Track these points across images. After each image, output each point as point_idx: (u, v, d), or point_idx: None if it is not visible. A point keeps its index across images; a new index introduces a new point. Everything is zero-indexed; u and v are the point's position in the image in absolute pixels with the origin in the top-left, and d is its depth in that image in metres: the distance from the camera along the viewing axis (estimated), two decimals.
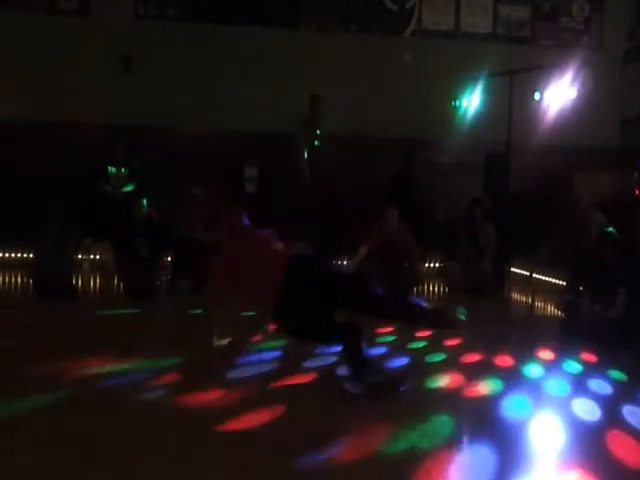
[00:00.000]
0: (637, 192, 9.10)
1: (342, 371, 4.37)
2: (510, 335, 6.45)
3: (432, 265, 10.18)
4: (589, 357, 5.52)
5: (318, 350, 5.00)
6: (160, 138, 10.38)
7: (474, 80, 10.26)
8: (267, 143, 10.28)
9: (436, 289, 9.25)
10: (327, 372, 4.65)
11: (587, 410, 4.16)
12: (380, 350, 5.34)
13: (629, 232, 7.18)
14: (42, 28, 10.46)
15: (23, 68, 10.28)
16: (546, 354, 5.58)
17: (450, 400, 4.25)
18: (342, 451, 3.37)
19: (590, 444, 3.61)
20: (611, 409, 4.18)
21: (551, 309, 7.76)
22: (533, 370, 5.07)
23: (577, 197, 9.77)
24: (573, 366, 5.24)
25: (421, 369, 4.89)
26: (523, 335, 6.50)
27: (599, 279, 6.28)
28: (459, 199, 9.95)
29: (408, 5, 11.54)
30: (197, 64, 10.72)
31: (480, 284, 8.44)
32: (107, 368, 4.55)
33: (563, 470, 3.33)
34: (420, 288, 8.73)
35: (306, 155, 9.24)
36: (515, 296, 8.92)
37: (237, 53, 10.90)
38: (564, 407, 4.20)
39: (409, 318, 4.61)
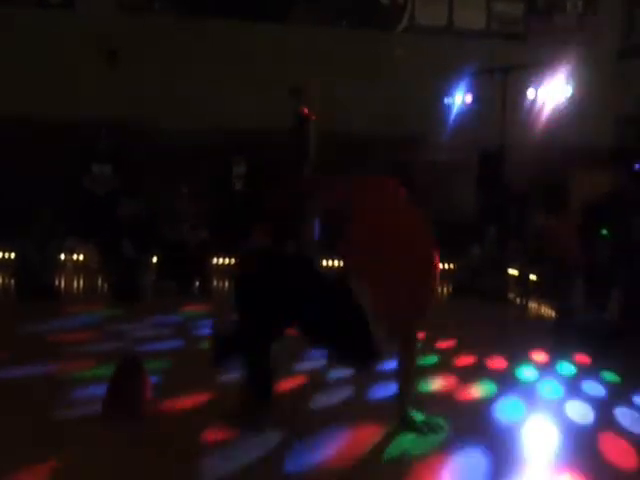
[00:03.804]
0: None
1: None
2: (503, 337, 6.37)
3: None
4: (583, 359, 5.47)
5: (308, 353, 4.85)
6: (146, 135, 10.19)
7: (467, 77, 10.14)
8: (256, 140, 10.13)
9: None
10: (316, 376, 4.55)
11: (580, 412, 4.12)
12: None
13: (624, 232, 7.12)
14: (28, 23, 10.30)
15: (7, 65, 10.12)
16: (539, 356, 5.52)
17: (442, 403, 4.15)
18: (333, 456, 3.30)
19: (583, 447, 3.58)
20: (604, 411, 4.14)
21: (545, 310, 7.70)
22: (526, 372, 5.01)
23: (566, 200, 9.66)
24: (567, 368, 5.19)
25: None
26: (516, 337, 6.42)
27: (593, 280, 6.25)
28: (453, 198, 9.82)
29: (400, 0, 11.43)
30: (185, 59, 10.55)
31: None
32: (90, 372, 4.42)
33: (556, 473, 3.29)
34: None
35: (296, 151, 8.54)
36: (509, 297, 8.80)
37: (227, 47, 10.74)
38: (557, 410, 4.15)
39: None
